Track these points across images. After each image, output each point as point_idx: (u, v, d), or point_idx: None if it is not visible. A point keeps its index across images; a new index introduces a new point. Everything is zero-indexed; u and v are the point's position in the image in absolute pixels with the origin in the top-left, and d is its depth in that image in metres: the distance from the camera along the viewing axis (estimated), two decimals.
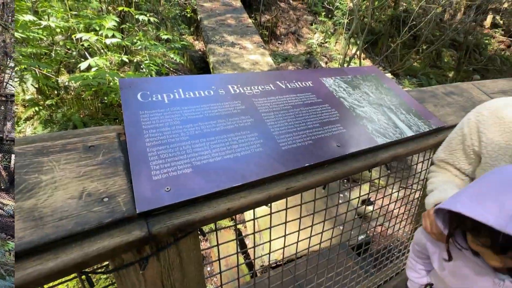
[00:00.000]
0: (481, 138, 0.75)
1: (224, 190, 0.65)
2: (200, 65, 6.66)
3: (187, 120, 0.77)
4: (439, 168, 0.88)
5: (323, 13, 8.07)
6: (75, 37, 3.42)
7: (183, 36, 7.21)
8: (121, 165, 0.66)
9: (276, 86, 0.95)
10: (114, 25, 3.26)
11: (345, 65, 4.56)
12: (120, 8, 4.01)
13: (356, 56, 4.62)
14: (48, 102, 4.18)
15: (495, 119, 0.72)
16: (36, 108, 4.21)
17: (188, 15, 7.08)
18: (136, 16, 3.81)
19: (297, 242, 0.96)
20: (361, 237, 1.93)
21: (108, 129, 0.78)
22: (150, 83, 0.87)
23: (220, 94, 0.87)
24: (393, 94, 1.11)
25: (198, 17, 6.08)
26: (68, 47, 3.96)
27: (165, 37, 3.93)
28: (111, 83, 3.29)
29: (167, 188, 0.63)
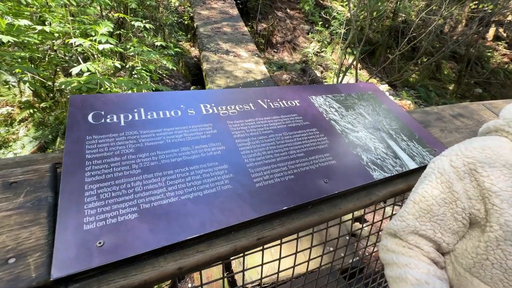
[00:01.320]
0: (483, 188, 0.53)
1: (176, 243, 0.51)
2: (194, 71, 6.59)
3: (143, 148, 0.63)
4: (407, 248, 0.59)
5: (320, 23, 8.09)
6: (68, 42, 3.32)
7: (180, 43, 7.17)
8: (46, 209, 0.52)
9: (257, 105, 0.83)
10: (109, 31, 3.16)
11: (341, 75, 4.48)
12: (116, 15, 3.93)
13: (352, 66, 4.53)
14: (42, 104, 4.07)
15: (494, 157, 0.54)
16: (31, 110, 4.11)
17: (186, 22, 7.06)
18: (132, 23, 3.73)
19: (278, 271, 0.81)
20: (351, 260, 1.78)
21: (45, 158, 0.64)
22: (107, 101, 0.73)
23: (189, 115, 0.73)
24: (393, 116, 0.98)
25: (195, 24, 6.03)
26: (62, 51, 3.85)
27: (158, 43, 3.83)
28: (102, 88, 3.17)
29: (100, 243, 0.49)
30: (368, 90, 1.09)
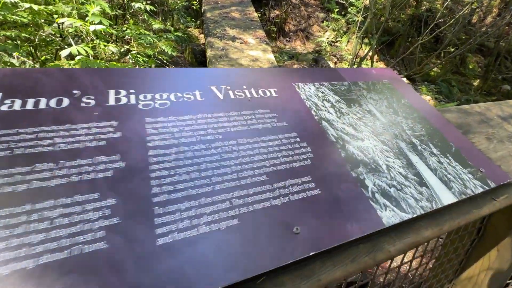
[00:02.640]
0: None
1: None
2: (201, 59, 6.33)
3: None
4: None
5: (336, 10, 7.54)
6: (57, 22, 3.09)
7: (189, 29, 6.90)
8: None
9: (207, 94, 0.53)
10: (104, 11, 2.91)
11: (355, 66, 4.07)
12: None
13: (368, 57, 4.10)
14: None
15: None
16: None
17: (195, 8, 6.75)
18: (132, 4, 3.46)
19: None
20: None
21: None
22: None
23: (81, 107, 0.45)
24: (419, 116, 0.67)
25: (202, 9, 5.69)
26: (54, 32, 3.63)
27: (156, 26, 3.55)
28: None
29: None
30: (383, 78, 0.77)
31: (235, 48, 4.37)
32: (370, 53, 3.91)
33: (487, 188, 0.54)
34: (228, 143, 0.45)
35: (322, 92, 0.64)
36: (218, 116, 0.49)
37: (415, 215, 0.45)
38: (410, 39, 7.13)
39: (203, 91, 0.53)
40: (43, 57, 3.87)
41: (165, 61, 4.64)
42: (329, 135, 0.54)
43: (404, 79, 6.44)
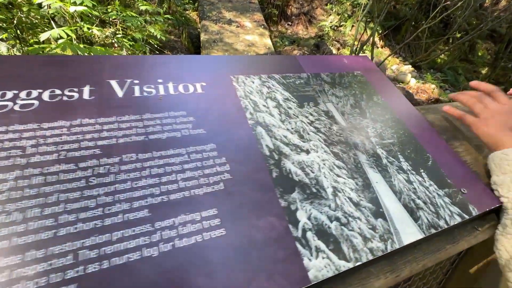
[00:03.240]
0: None
1: None
2: (197, 43, 6.12)
3: None
4: None
5: None
6: (35, 2, 2.92)
7: (187, 12, 6.63)
8: None
9: (101, 90, 0.40)
10: None
11: (356, 54, 3.84)
12: None
13: (369, 42, 3.86)
14: None
15: None
16: None
17: None
18: None
19: None
20: None
21: None
22: None
23: None
24: (391, 118, 0.53)
25: None
26: (33, 13, 3.44)
27: (143, 7, 3.35)
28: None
29: None
30: (355, 69, 0.63)
31: (231, 32, 4.16)
32: (373, 38, 3.67)
33: (467, 217, 0.42)
34: (105, 161, 0.33)
35: (269, 87, 0.50)
36: (105, 122, 0.36)
37: (358, 263, 0.33)
38: (417, 23, 6.75)
39: (97, 86, 0.40)
40: (31, 40, 3.70)
41: (156, 46, 4.45)
42: (262, 147, 0.41)
43: (410, 66, 6.15)
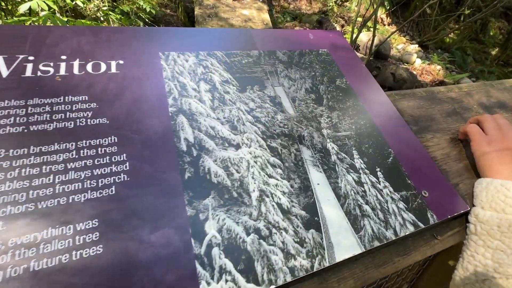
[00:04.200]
0: None
1: None
2: (194, 18, 5.87)
3: None
4: None
5: None
6: None
7: None
8: None
9: None
10: None
11: (355, 32, 3.62)
12: None
13: (372, 18, 3.61)
14: None
15: None
16: None
17: None
18: None
19: None
20: None
21: None
22: None
23: None
24: (353, 105, 0.45)
25: None
26: None
27: None
28: None
29: None
30: (320, 46, 0.54)
31: (227, 6, 3.92)
32: (375, 13, 3.43)
33: (422, 226, 0.35)
34: None
35: (205, 67, 0.42)
36: None
37: (272, 287, 0.27)
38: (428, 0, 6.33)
39: None
40: (18, 12, 3.52)
41: (147, 20, 4.25)
42: (180, 140, 0.34)
43: (416, 45, 5.86)
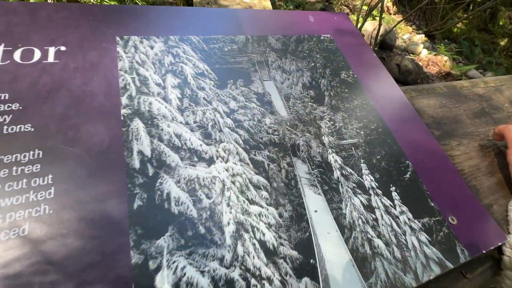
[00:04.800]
0: None
1: None
2: (193, 5, 5.68)
3: None
4: None
5: None
6: None
7: None
8: None
9: None
10: None
11: (360, 21, 3.46)
12: None
13: (378, 6, 3.44)
14: None
15: None
16: None
17: None
18: None
19: None
20: None
21: None
22: None
23: None
24: (362, 104, 0.36)
25: None
26: None
27: None
28: None
29: None
30: (323, 32, 0.45)
31: None
32: (382, 1, 3.26)
33: (450, 266, 0.27)
34: None
35: (176, 56, 0.33)
36: None
37: None
38: None
39: None
40: None
41: (138, 3, 4.11)
42: (132, 154, 0.25)
43: (423, 35, 5.66)
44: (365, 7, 4.73)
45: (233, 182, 0.26)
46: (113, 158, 0.25)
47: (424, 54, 5.35)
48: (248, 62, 0.36)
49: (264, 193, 0.26)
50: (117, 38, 0.32)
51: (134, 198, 0.23)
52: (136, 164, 0.25)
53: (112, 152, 0.25)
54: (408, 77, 4.15)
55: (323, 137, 0.32)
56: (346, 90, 0.37)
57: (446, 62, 5.25)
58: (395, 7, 6.87)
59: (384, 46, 4.83)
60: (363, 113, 0.36)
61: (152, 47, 0.33)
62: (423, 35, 5.90)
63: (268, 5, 3.91)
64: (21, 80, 0.26)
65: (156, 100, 0.29)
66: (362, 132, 0.34)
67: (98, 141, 0.25)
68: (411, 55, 5.38)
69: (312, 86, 0.36)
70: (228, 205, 0.25)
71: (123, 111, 0.27)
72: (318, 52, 0.41)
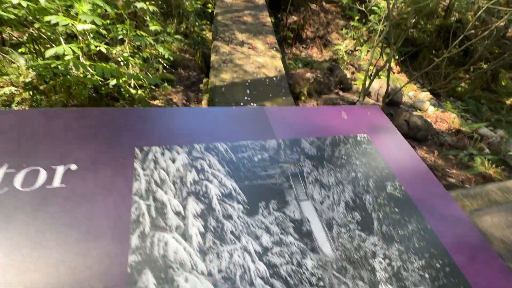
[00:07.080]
0: None
1: None
2: (210, 64, 6.17)
3: None
4: None
5: (357, 18, 7.08)
6: (45, 19, 2.92)
7: (204, 32, 6.76)
8: None
9: None
10: (93, 9, 2.70)
11: (367, 80, 3.60)
12: None
13: (385, 68, 3.61)
14: (41, 87, 3.80)
15: None
16: (32, 92, 3.86)
17: (210, 10, 6.62)
18: (136, 4, 3.24)
19: None
20: None
21: None
22: None
23: None
24: (419, 229, 0.29)
25: (214, 12, 5.48)
26: (44, 30, 3.48)
27: (153, 28, 3.32)
28: (82, 74, 2.74)
29: None
30: (358, 130, 0.40)
31: (242, 54, 4.05)
32: (389, 65, 3.44)
33: None
34: None
35: (201, 170, 0.28)
36: None
37: None
38: (436, 51, 6.47)
39: None
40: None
41: (165, 65, 4.43)
42: None
43: (428, 93, 5.83)
44: (371, 67, 4.98)
45: None
46: None
47: (431, 110, 5.43)
48: (281, 175, 0.31)
49: None
50: (136, 150, 0.28)
51: None
52: None
53: None
54: (418, 133, 4.14)
55: (379, 286, 0.25)
56: (397, 210, 0.31)
57: (454, 119, 5.28)
58: (397, 67, 7.27)
59: (392, 102, 4.96)
60: (423, 243, 0.29)
61: (174, 160, 0.28)
62: (428, 93, 6.07)
63: (280, 64, 4.17)
64: (15, 217, 0.21)
65: (173, 238, 0.23)
66: (427, 275, 0.26)
67: None
68: (418, 111, 5.46)
69: (357, 205, 0.30)
70: None
71: (131, 259, 0.21)
72: (357, 157, 0.36)
